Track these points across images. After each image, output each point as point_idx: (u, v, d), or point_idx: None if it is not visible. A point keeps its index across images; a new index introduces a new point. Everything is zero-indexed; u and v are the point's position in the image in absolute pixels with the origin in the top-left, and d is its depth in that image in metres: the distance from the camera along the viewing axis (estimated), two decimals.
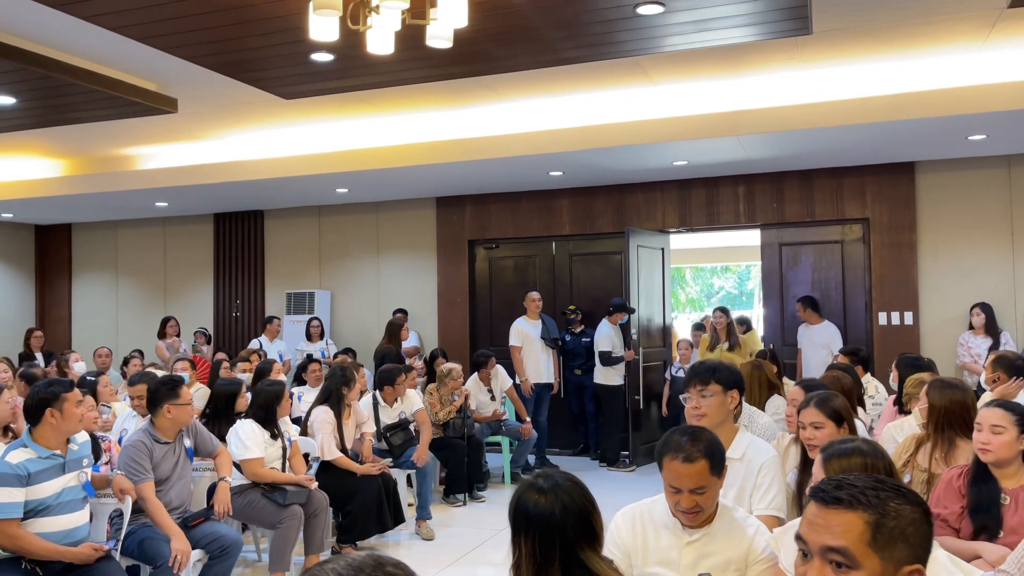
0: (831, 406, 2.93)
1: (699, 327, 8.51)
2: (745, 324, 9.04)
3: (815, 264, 7.91)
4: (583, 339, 8.14)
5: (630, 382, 7.83)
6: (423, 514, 5.72)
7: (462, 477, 6.52)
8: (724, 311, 7.77)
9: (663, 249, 8.39)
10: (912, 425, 3.91)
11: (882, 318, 7.49)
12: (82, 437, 3.58)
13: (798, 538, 1.40)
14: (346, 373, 5.45)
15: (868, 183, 7.57)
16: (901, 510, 1.32)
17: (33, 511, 3.27)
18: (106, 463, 4.11)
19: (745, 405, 4.36)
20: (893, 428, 4.04)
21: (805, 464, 3.00)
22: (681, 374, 7.49)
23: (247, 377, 6.58)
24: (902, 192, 7.46)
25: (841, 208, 7.66)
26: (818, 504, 1.38)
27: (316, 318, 8.89)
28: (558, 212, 8.64)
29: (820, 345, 7.29)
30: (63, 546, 3.30)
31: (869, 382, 5.57)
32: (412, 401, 6.23)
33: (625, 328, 7.84)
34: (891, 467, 2.17)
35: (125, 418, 5.03)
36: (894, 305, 7.46)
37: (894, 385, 4.87)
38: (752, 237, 9.78)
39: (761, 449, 2.92)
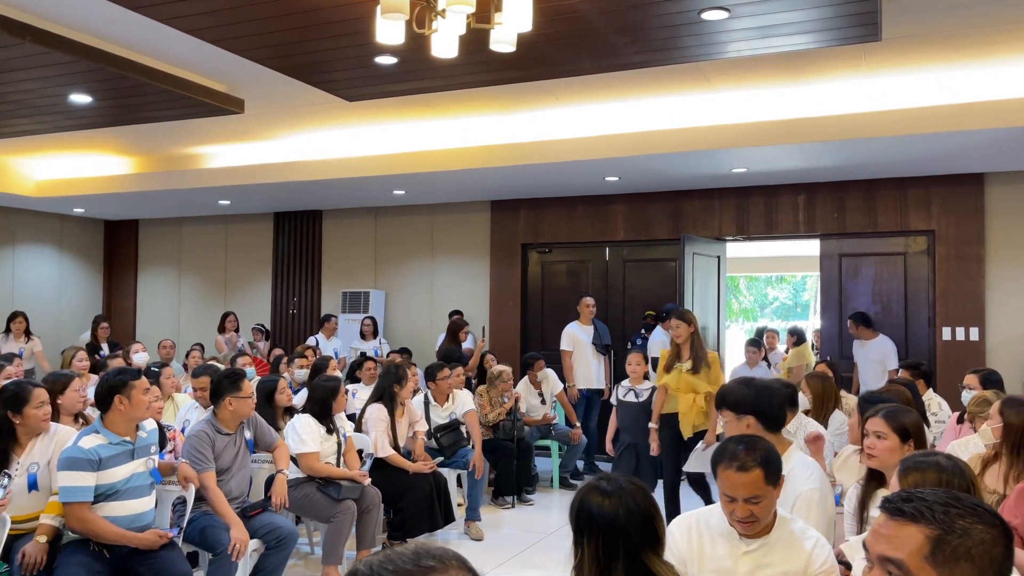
0: (898, 420, 2.86)
1: (754, 343, 8.28)
2: (797, 335, 8.87)
3: (876, 276, 7.73)
4: None
5: None
6: (472, 515, 5.76)
7: (511, 479, 6.54)
8: (684, 318, 5.40)
9: (719, 257, 8.30)
10: (977, 444, 3.80)
11: (946, 333, 7.28)
12: (150, 425, 3.70)
13: (864, 547, 1.41)
14: (398, 371, 5.52)
15: (934, 194, 7.37)
16: (971, 529, 1.29)
17: (103, 495, 3.39)
18: (170, 451, 4.24)
19: (799, 415, 4.30)
20: (957, 446, 3.93)
21: (870, 477, 2.93)
22: (632, 398, 5.76)
23: (304, 373, 6.72)
24: (970, 204, 7.25)
25: (905, 219, 7.48)
26: (884, 514, 1.38)
27: (370, 317, 9.02)
28: (613, 217, 8.61)
29: (874, 361, 7.11)
30: (130, 531, 3.41)
31: (932, 398, 5.42)
32: (462, 402, 6.28)
33: None
34: (972, 486, 2.12)
35: (187, 409, 5.18)
36: (959, 320, 7.25)
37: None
38: (809, 247, 9.61)
39: (802, 476, 2.81)
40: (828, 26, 4.42)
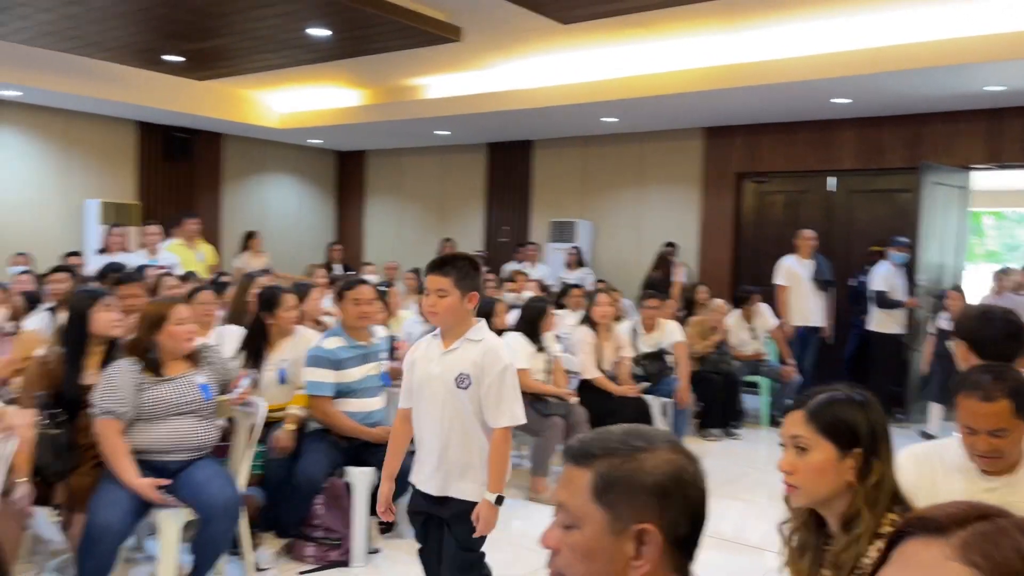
0: None
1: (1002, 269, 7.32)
2: None
3: None
4: None
5: (911, 332, 7.15)
6: None
7: (717, 412, 6.45)
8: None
9: (963, 188, 7.47)
10: None
11: None
12: (383, 332, 4.02)
13: None
14: (590, 296, 5.79)
15: None
16: None
17: (340, 392, 3.76)
18: (398, 359, 4.59)
19: None
20: None
21: None
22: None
23: (515, 297, 6.97)
24: None
25: None
26: None
27: (575, 247, 9.11)
28: (839, 144, 7.99)
29: None
30: (363, 426, 3.77)
31: None
32: (671, 332, 6.22)
33: (909, 273, 7.14)
34: None
35: (410, 323, 5.58)
36: None
37: None
38: None
39: None
40: None
